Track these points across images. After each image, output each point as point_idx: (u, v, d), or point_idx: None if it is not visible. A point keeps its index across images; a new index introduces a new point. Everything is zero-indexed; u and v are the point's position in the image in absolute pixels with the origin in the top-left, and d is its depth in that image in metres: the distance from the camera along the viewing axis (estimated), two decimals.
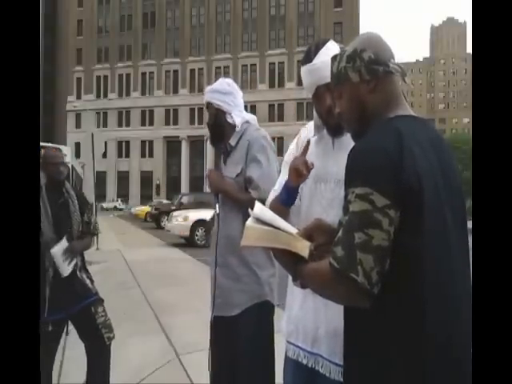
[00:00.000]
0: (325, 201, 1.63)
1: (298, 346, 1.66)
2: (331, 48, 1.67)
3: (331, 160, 1.66)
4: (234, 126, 2.38)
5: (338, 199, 1.54)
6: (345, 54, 1.29)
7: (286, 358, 1.72)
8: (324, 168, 1.66)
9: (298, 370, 1.65)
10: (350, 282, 1.05)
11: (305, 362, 1.62)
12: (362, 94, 1.26)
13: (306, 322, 1.63)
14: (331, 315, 1.52)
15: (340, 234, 1.10)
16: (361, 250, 1.05)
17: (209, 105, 2.44)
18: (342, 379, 1.47)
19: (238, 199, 2.27)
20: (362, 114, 1.27)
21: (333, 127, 1.65)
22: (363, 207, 1.07)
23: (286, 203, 1.66)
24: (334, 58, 1.34)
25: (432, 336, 1.08)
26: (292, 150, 1.83)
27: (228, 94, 2.42)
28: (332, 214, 1.55)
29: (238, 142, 2.36)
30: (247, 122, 2.41)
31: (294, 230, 1.27)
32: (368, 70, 1.25)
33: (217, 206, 2.35)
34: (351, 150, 1.17)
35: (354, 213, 1.08)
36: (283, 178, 1.76)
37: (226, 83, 2.45)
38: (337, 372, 1.52)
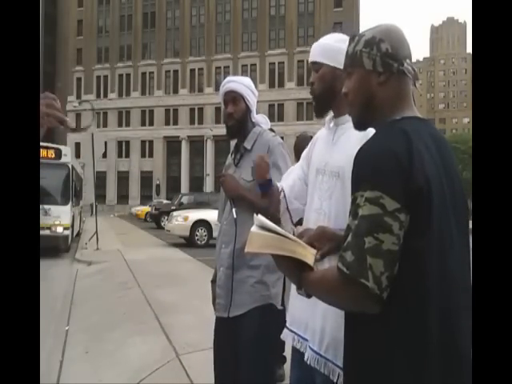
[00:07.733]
0: (321, 192, 1.70)
1: (295, 333, 1.72)
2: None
3: (329, 153, 1.73)
4: (250, 128, 2.35)
5: (330, 191, 1.66)
6: (363, 37, 1.27)
7: (292, 347, 1.77)
8: (323, 161, 1.74)
9: (299, 358, 1.69)
10: (360, 288, 1.03)
11: (298, 346, 1.69)
12: (371, 84, 1.25)
13: (301, 310, 1.67)
14: (322, 305, 1.54)
15: (349, 238, 1.08)
16: (371, 255, 1.03)
17: (236, 98, 2.32)
18: (317, 367, 1.55)
19: (255, 205, 2.13)
20: (367, 102, 1.26)
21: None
22: (373, 211, 1.05)
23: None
24: (351, 39, 1.32)
25: (437, 337, 1.08)
26: (309, 146, 1.96)
27: (254, 92, 2.38)
28: (325, 205, 1.66)
29: (252, 146, 2.32)
30: (259, 125, 2.40)
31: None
32: (382, 61, 1.23)
33: (233, 210, 2.25)
34: (358, 152, 1.15)
35: (363, 217, 1.06)
36: (295, 169, 1.97)
37: (250, 80, 2.39)
38: (313, 359, 1.57)
